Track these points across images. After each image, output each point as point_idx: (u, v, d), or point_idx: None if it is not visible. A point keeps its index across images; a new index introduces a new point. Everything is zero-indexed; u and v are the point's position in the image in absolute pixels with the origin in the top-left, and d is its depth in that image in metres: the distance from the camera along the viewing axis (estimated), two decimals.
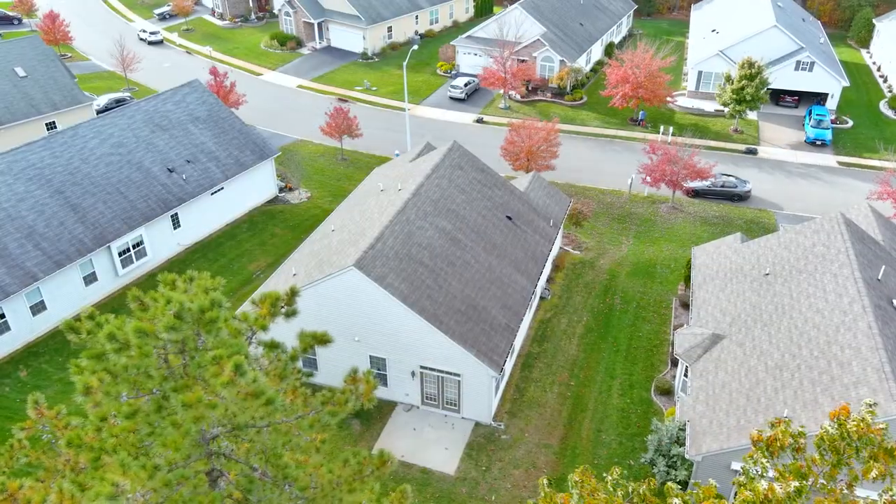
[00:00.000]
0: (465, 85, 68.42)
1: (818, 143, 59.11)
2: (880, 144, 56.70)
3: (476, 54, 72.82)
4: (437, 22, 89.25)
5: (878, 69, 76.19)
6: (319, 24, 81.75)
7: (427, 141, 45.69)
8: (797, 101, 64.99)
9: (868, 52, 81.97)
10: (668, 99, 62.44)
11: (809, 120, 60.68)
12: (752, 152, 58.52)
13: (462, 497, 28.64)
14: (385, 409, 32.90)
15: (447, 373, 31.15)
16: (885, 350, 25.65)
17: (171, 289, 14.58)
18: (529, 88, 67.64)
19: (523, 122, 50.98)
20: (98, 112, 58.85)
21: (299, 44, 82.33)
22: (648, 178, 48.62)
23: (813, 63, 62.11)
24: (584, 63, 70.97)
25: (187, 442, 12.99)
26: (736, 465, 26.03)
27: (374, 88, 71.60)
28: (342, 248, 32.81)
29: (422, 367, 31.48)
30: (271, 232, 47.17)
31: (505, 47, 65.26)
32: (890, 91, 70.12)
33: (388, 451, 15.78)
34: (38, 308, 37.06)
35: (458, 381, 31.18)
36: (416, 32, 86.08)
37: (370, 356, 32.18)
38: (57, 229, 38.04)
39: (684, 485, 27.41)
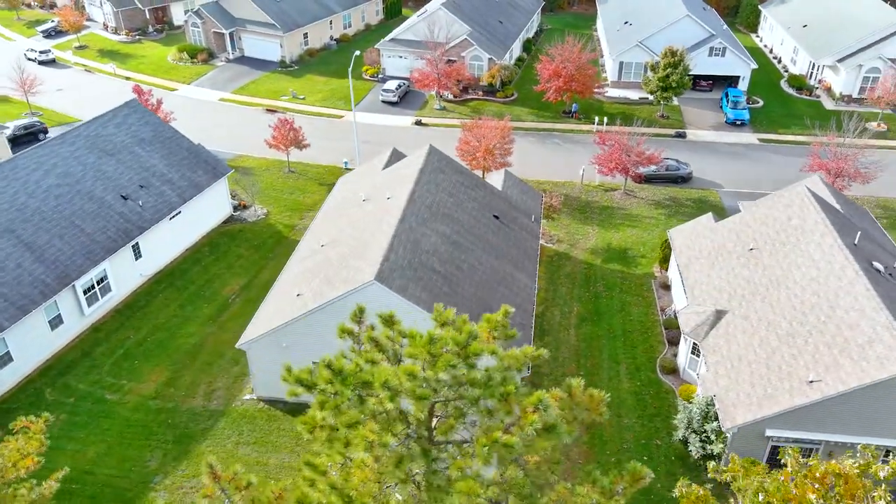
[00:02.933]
0: (397, 88, 68.04)
1: (738, 122, 63.23)
2: (807, 121, 61.22)
3: (401, 56, 72.61)
4: (350, 26, 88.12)
5: (770, 51, 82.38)
6: (231, 34, 78.67)
7: (393, 147, 45.15)
8: (711, 85, 69.18)
9: (758, 37, 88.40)
10: (597, 90, 64.82)
11: (727, 102, 64.78)
12: (682, 136, 61.82)
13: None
14: None
15: None
16: (888, 309, 28.00)
17: (391, 325, 13.69)
18: (462, 88, 68.12)
19: (476, 122, 51.38)
20: (11, 141, 54.13)
21: (211, 55, 78.89)
22: (603, 168, 50.39)
23: (725, 48, 66.38)
24: (508, 60, 72.30)
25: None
26: (770, 432, 27.64)
27: (302, 97, 69.83)
28: (347, 263, 31.94)
29: None
30: (236, 253, 45.10)
31: (435, 48, 65.48)
32: (786, 70, 76.01)
33: (639, 466, 14.50)
34: (3, 361, 33.69)
35: None
36: (332, 38, 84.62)
37: None
38: (14, 272, 34.70)
39: (719, 457, 28.77)
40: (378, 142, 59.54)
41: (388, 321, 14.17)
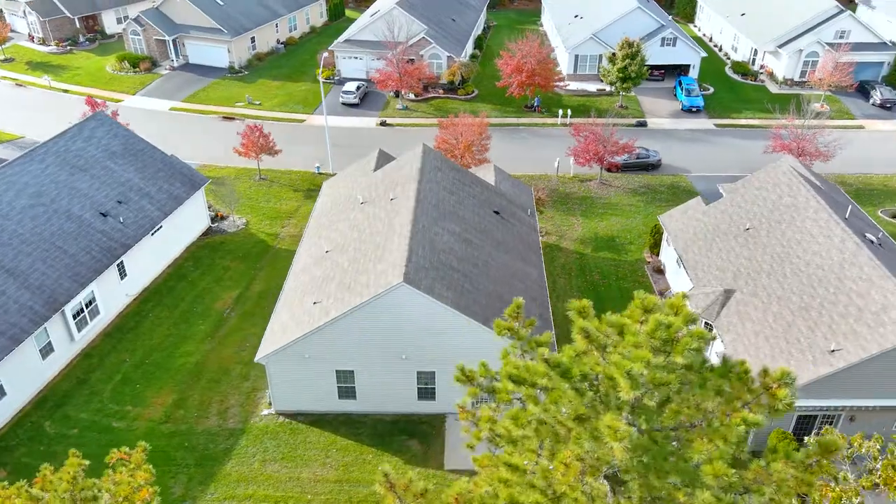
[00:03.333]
0: (357, 89, 67.15)
1: (693, 109, 65.38)
2: (768, 105, 63.77)
3: (357, 57, 71.72)
4: (296, 29, 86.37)
5: (710, 39, 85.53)
6: (174, 41, 75.81)
7: (379, 149, 44.52)
8: (663, 74, 71.25)
9: (696, 26, 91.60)
10: (558, 83, 65.78)
11: (681, 90, 66.90)
12: (643, 125, 63.46)
13: None
14: (436, 422, 32.03)
15: None
16: (894, 276, 29.53)
17: (584, 316, 13.36)
18: (422, 87, 67.85)
19: (452, 120, 51.32)
20: None
21: (154, 63, 75.80)
22: (580, 159, 51.20)
23: (676, 38, 68.53)
24: (464, 57, 72.45)
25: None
26: (797, 403, 28.63)
27: (258, 103, 68.01)
28: (365, 267, 31.31)
29: None
30: (222, 266, 43.53)
31: (395, 47, 65.01)
32: (728, 58, 79.07)
33: (833, 437, 13.28)
34: None
35: None
36: (279, 41, 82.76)
37: (418, 372, 31.15)
38: (0, 300, 32.43)
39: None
40: (346, 144, 58.72)
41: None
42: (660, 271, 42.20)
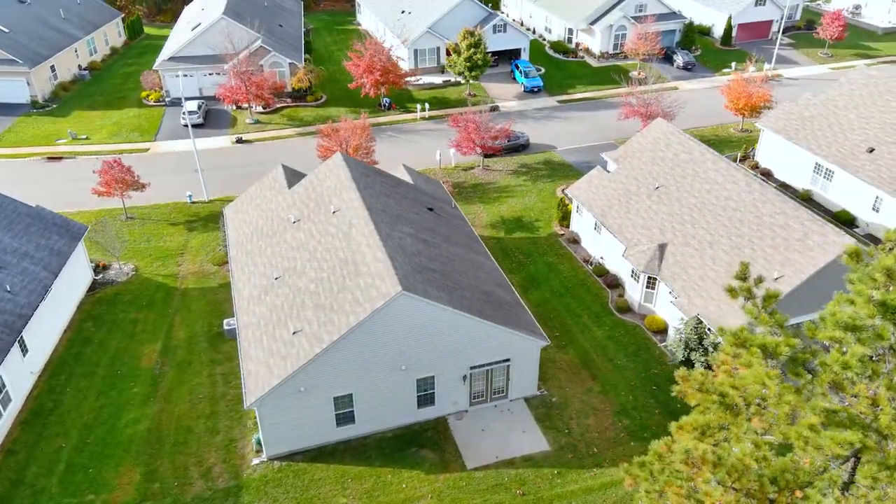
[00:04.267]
0: (199, 108, 62.50)
1: (535, 90, 69.44)
2: (617, 76, 69.24)
3: (187, 75, 66.60)
4: (96, 52, 78.03)
5: (522, 24, 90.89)
6: None
7: (281, 164, 42.03)
8: (497, 60, 74.60)
9: (503, 12, 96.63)
10: (408, 79, 66.39)
11: (520, 73, 70.66)
12: (496, 109, 66.17)
13: (578, 461, 29.80)
14: (439, 426, 31.50)
15: (497, 363, 31.25)
16: (805, 209, 34.22)
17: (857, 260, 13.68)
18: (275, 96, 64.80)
19: (332, 126, 50.04)
20: None
21: None
22: (463, 148, 52.41)
23: (506, 24, 72.15)
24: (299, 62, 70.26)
25: None
26: (759, 330, 32.21)
27: (85, 137, 60.71)
28: (340, 284, 29.80)
29: (471, 368, 30.97)
30: (128, 319, 38.74)
31: (234, 58, 61.47)
32: (543, 39, 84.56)
33: None
34: None
35: (507, 367, 31.57)
36: (81, 67, 74.25)
37: (417, 380, 30.38)
38: None
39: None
40: (213, 167, 54.75)
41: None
42: (575, 241, 44.72)
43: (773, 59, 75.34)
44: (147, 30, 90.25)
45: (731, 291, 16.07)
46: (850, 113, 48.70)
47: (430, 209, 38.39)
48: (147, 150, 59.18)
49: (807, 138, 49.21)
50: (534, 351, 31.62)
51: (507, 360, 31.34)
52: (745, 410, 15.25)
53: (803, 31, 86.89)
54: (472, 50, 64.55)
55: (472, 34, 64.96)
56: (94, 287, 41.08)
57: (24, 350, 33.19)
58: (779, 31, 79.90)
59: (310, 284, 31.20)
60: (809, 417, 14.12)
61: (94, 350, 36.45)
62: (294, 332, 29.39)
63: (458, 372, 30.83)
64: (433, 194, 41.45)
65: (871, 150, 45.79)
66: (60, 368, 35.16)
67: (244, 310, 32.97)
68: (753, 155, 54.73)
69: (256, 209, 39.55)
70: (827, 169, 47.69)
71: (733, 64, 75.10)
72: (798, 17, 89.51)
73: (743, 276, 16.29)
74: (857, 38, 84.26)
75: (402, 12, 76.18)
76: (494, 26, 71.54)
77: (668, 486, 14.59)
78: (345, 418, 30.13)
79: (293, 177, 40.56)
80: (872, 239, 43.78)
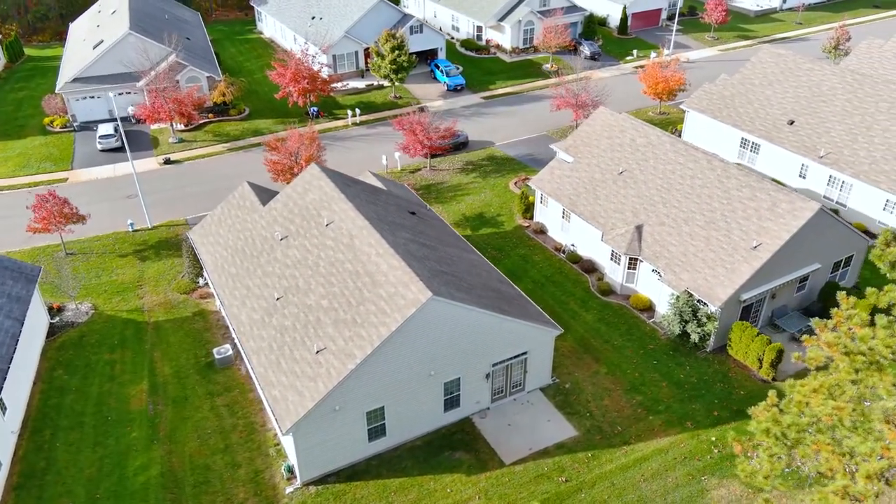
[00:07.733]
0: (116, 130, 58.63)
1: (458, 88, 70.25)
2: (546, 68, 70.83)
3: (94, 97, 62.32)
4: None
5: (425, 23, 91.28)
6: None
7: (246, 181, 40.36)
8: (417, 60, 74.68)
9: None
10: (335, 85, 65.37)
11: (440, 72, 71.22)
12: (424, 109, 66.29)
13: (606, 441, 30.82)
14: (466, 427, 31.58)
15: (515, 356, 31.71)
16: (768, 179, 36.94)
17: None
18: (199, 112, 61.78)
19: (277, 138, 48.78)
20: None
21: None
22: (410, 151, 52.45)
23: (422, 25, 72.40)
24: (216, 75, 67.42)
25: None
26: (744, 296, 34.61)
27: None
28: (358, 297, 29.22)
29: (493, 365, 31.26)
30: (103, 361, 36.03)
31: (148, 75, 58.25)
32: (451, 37, 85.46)
33: None
34: None
35: (525, 359, 32.10)
36: None
37: (444, 384, 30.32)
38: None
39: (710, 334, 34.89)
40: (146, 191, 51.39)
41: None
42: (542, 232, 45.88)
43: (672, 45, 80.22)
44: (28, 51, 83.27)
45: (877, 258, 17.23)
46: (767, 90, 52.89)
47: (413, 213, 38.23)
48: (66, 179, 54.88)
49: (731, 116, 52.98)
50: (549, 341, 32.36)
51: (525, 352, 31.89)
52: (891, 365, 16.47)
53: (687, 16, 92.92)
54: (396, 52, 64.44)
55: (394, 36, 64.83)
56: (52, 332, 37.83)
57: (3, 408, 30.17)
58: (667, 19, 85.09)
59: (321, 301, 30.35)
60: None
61: (75, 399, 33.66)
62: (318, 351, 28.53)
63: (481, 371, 31.05)
64: (408, 199, 41.27)
65: (792, 123, 50.01)
66: (42, 423, 32.23)
67: (247, 335, 31.57)
68: (679, 135, 58.17)
69: (230, 230, 37.85)
70: (753, 143, 51.58)
71: (634, 51, 79.27)
72: (681, 4, 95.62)
73: (886, 242, 17.36)
74: (735, 22, 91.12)
75: (313, 18, 74.68)
76: (411, 27, 71.67)
77: (814, 444, 15.61)
78: (376, 432, 29.62)
79: (262, 193, 39.15)
80: None
